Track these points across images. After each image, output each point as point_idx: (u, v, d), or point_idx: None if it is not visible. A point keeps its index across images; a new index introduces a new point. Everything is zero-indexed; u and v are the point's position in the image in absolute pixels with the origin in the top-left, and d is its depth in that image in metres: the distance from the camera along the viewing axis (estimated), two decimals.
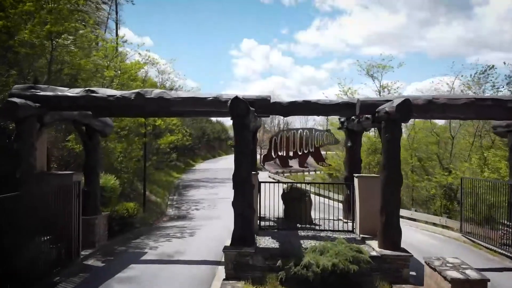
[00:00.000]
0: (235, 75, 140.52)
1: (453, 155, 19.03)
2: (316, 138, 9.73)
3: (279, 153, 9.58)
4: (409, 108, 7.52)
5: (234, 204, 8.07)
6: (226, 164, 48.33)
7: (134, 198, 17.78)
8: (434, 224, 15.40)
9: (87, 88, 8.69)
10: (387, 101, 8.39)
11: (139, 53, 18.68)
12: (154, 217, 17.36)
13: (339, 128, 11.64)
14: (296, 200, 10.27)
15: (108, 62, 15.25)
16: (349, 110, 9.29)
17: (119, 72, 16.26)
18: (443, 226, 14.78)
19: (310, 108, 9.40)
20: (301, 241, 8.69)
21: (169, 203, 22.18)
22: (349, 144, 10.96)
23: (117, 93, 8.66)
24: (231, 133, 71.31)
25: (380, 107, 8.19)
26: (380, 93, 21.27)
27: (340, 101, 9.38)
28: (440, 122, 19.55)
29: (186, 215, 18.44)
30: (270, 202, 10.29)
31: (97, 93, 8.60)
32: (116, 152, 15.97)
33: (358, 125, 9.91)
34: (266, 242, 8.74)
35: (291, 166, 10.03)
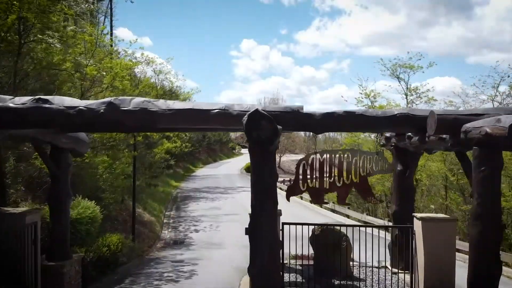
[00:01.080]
0: (235, 76, 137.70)
1: None
2: (362, 163, 7.02)
3: (310, 184, 6.88)
4: None
5: (250, 271, 5.38)
6: (227, 169, 45.74)
7: (122, 222, 15.09)
8: None
9: (37, 97, 6.00)
10: (477, 115, 5.72)
11: (125, 50, 15.95)
12: (146, 244, 14.67)
13: (382, 145, 8.95)
14: (331, 247, 7.59)
15: (88, 60, 12.55)
16: (411, 126, 6.64)
17: (104, 73, 13.61)
18: None
19: (354, 122, 6.72)
20: None
21: (165, 221, 19.50)
22: (399, 168, 8.26)
23: (80, 103, 5.98)
24: (233, 135, 68.49)
25: (468, 125, 5.50)
26: (407, 96, 18.55)
27: (397, 112, 6.68)
28: None
29: (184, 239, 15.77)
30: (293, 236, 7.67)
31: (51, 103, 5.92)
32: (101, 168, 13.26)
33: (420, 145, 7.20)
34: None
35: (326, 202, 7.31)
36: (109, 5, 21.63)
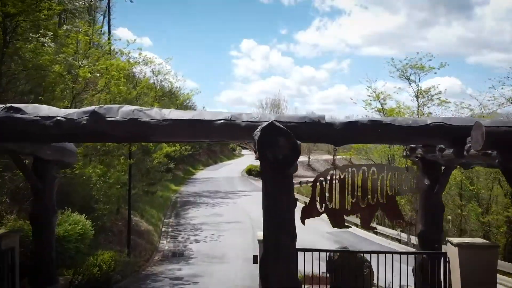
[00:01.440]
0: (235, 76, 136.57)
1: None
2: (390, 180, 6.08)
3: (329, 205, 5.94)
4: None
5: None
6: (228, 171, 44.76)
7: (118, 233, 14.14)
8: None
9: (8, 105, 5.06)
10: None
11: (121, 50, 15.01)
12: (143, 258, 13.73)
13: (406, 157, 8.01)
14: (351, 273, 6.66)
15: (81, 61, 11.62)
16: (447, 137, 5.71)
17: (98, 74, 12.70)
18: None
19: (380, 133, 5.80)
20: None
21: (163, 229, 18.57)
22: (426, 183, 7.31)
23: (58, 112, 5.04)
24: None
25: None
26: (418, 99, 17.59)
27: (431, 122, 5.73)
28: None
29: (183, 251, 14.86)
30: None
31: (24, 112, 4.99)
32: (94, 176, 12.31)
33: (455, 159, 6.25)
34: None
35: (349, 227, 6.33)
36: (108, 4, 20.77)
